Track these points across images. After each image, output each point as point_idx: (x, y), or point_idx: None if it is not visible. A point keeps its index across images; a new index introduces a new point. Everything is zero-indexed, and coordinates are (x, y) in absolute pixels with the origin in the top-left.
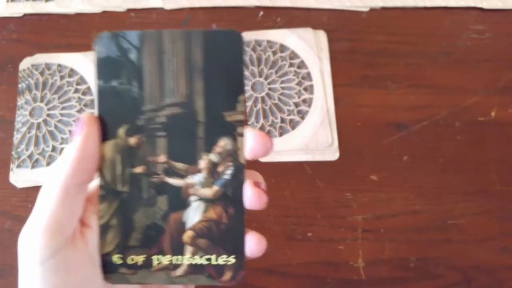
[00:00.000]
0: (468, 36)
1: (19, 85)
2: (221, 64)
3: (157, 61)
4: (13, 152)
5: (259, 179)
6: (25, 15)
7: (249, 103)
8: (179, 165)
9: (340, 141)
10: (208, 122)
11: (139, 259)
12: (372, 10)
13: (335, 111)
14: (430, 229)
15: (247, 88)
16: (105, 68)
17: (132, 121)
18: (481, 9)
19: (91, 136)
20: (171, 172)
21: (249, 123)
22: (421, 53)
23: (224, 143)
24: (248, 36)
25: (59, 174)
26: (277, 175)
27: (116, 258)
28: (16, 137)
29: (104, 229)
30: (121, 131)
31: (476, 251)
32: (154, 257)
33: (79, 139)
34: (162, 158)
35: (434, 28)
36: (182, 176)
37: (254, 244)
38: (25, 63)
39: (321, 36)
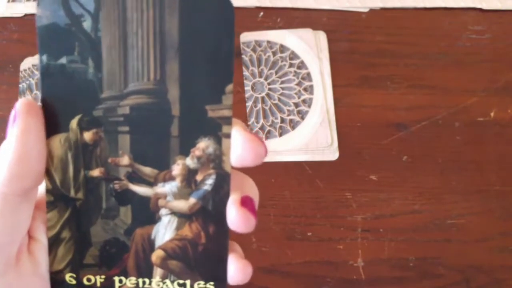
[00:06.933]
0: (467, 37)
1: (20, 85)
2: (204, 41)
3: (119, 33)
4: None
5: (249, 189)
6: (25, 15)
7: (249, 103)
8: (147, 170)
9: (340, 141)
10: (185, 117)
11: (97, 279)
12: (372, 10)
13: (335, 111)
14: (430, 229)
15: (247, 88)
16: (50, 40)
17: (87, 111)
18: (480, 9)
19: (31, 129)
20: (137, 178)
21: (249, 123)
22: (420, 53)
23: (204, 145)
24: (248, 36)
25: None
26: (277, 175)
27: (68, 277)
28: None
29: (53, 243)
30: (73, 122)
31: (475, 251)
32: (116, 279)
33: (15, 134)
34: (125, 160)
35: (434, 28)
36: (150, 183)
37: (237, 270)
38: (26, 63)
39: (321, 37)
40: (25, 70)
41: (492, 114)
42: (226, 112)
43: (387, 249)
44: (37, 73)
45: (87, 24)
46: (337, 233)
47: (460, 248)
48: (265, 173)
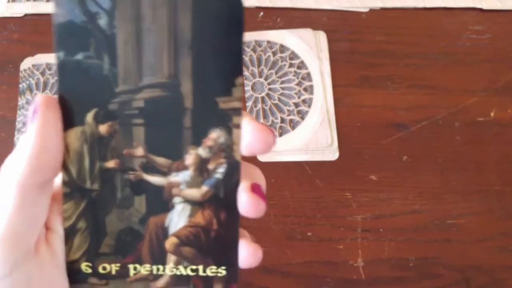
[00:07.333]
0: (467, 37)
1: (20, 85)
2: (215, 36)
3: (134, 30)
4: None
5: (257, 178)
6: (25, 15)
7: (249, 103)
8: (161, 160)
9: (340, 141)
10: (197, 109)
11: (113, 267)
12: (372, 10)
13: (335, 111)
14: (430, 229)
15: (247, 88)
16: (67, 36)
17: (102, 105)
18: (480, 9)
19: (50, 123)
20: (151, 168)
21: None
22: (420, 53)
23: (216, 136)
24: (248, 36)
25: (14, 173)
26: (277, 175)
27: (84, 267)
28: (17, 137)
29: (69, 233)
30: (89, 116)
31: (475, 251)
32: (131, 266)
33: (35, 128)
34: (139, 151)
35: (434, 28)
36: (164, 173)
37: (248, 254)
38: (26, 63)
39: (321, 37)
40: (25, 70)
41: (492, 114)
42: (236, 104)
43: (387, 249)
44: (37, 73)
45: (102, 21)
46: (337, 233)
47: (460, 248)
48: (265, 173)
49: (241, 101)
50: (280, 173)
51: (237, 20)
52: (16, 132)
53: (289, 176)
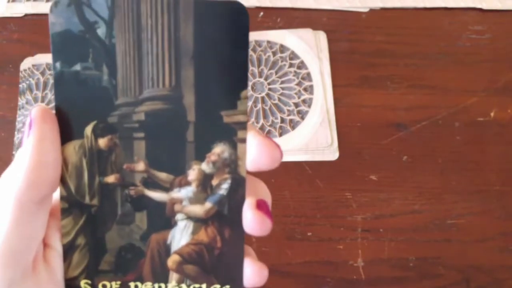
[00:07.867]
0: (467, 37)
1: (20, 85)
2: (218, 46)
3: (134, 40)
4: (14, 152)
5: (263, 193)
6: (25, 15)
7: (249, 103)
8: (162, 175)
9: (340, 141)
10: (201, 123)
11: (113, 286)
12: (372, 10)
13: (335, 111)
14: (430, 229)
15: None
16: (64, 47)
17: (101, 118)
18: (480, 9)
19: (47, 137)
20: (152, 183)
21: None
22: (420, 53)
23: (220, 150)
24: None
25: (10, 189)
26: (277, 175)
27: (84, 284)
28: (17, 137)
29: (68, 250)
30: (88, 129)
31: (475, 251)
32: (132, 284)
33: (31, 142)
34: (140, 165)
35: (434, 28)
36: (165, 189)
37: (253, 273)
38: (26, 63)
39: (321, 37)
40: (25, 70)
41: (492, 114)
42: (241, 118)
43: (387, 249)
44: (37, 73)
45: (101, 30)
46: (337, 233)
47: (460, 248)
48: (265, 173)
49: (246, 114)
50: (280, 173)
51: (242, 31)
52: (16, 132)
53: (289, 176)
